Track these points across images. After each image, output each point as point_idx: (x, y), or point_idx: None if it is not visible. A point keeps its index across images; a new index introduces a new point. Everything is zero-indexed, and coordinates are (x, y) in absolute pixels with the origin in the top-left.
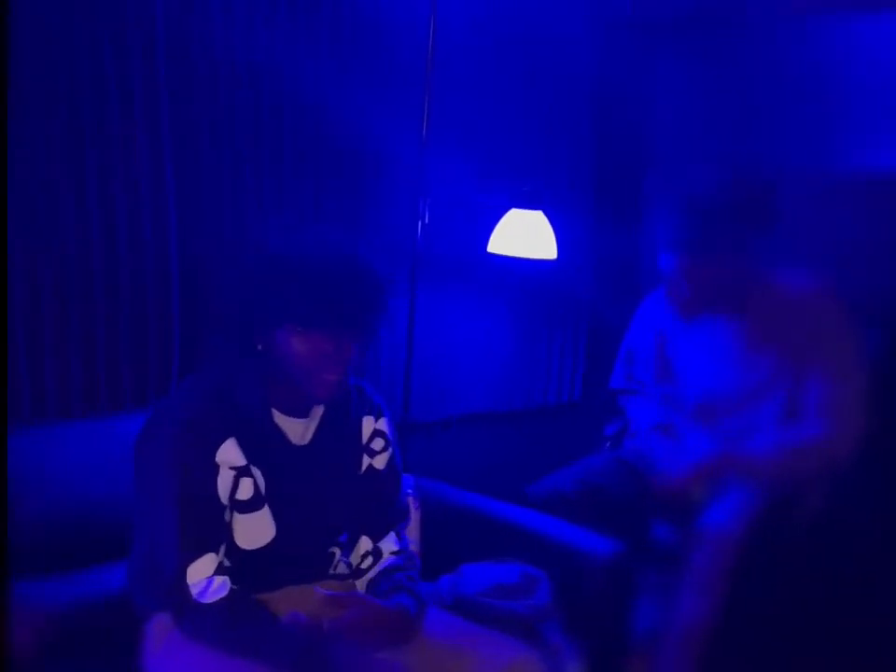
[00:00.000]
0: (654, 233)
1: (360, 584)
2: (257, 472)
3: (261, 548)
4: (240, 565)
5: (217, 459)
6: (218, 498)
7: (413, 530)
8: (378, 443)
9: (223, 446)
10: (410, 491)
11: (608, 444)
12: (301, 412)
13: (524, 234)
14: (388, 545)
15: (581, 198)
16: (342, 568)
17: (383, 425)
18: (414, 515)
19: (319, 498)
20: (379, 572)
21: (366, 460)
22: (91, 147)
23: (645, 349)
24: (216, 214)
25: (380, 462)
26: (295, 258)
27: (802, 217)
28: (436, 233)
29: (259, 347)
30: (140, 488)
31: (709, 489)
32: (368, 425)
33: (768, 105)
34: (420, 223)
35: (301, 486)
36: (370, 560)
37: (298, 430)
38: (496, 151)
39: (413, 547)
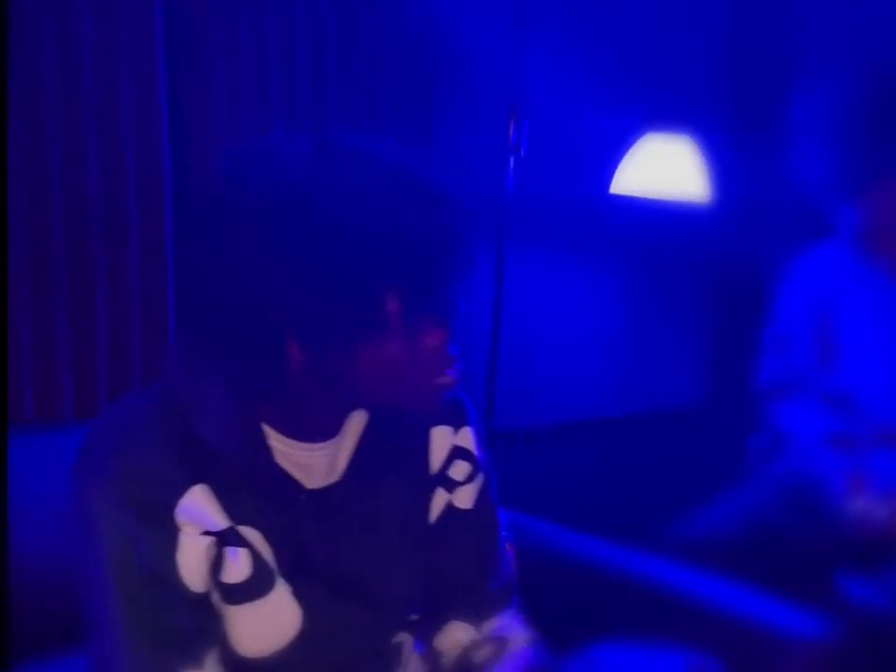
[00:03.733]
0: (819, 163)
1: None
2: (253, 535)
3: (280, 651)
4: None
5: (176, 520)
6: (182, 583)
7: None
8: (461, 469)
9: (185, 498)
10: (503, 534)
11: (756, 463)
12: (321, 431)
13: (663, 168)
14: (514, 631)
15: (727, 119)
16: (416, 665)
17: (467, 439)
18: None
19: (366, 565)
20: None
21: (441, 497)
22: None
23: (804, 330)
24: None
25: (464, 499)
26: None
27: None
28: (535, 170)
29: (299, 358)
30: (78, 563)
31: None
32: (441, 439)
33: None
34: (512, 156)
35: (333, 551)
36: (486, 651)
37: (319, 462)
38: (619, 53)
39: None
